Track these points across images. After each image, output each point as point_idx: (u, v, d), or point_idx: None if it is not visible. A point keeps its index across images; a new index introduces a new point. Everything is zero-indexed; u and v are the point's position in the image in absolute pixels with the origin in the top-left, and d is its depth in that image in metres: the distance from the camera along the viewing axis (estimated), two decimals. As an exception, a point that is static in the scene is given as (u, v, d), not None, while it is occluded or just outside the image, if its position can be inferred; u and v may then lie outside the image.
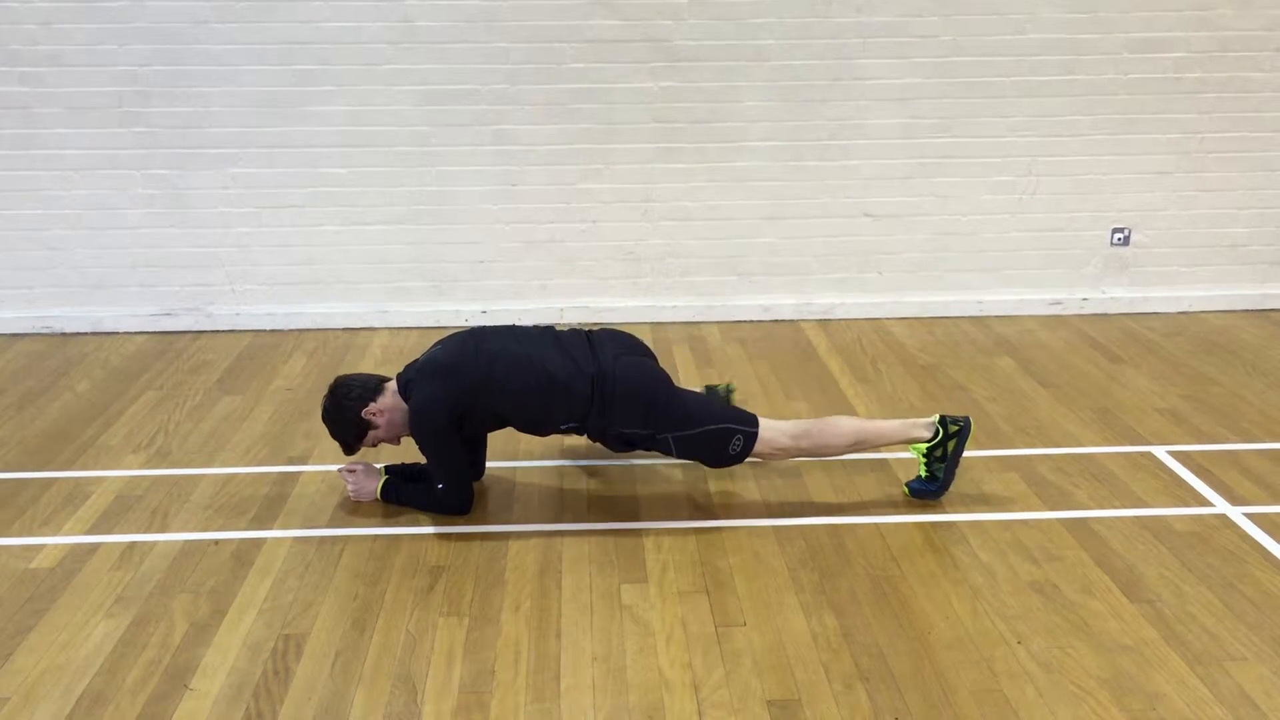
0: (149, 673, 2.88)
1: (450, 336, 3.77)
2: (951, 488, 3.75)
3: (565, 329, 3.78)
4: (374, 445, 3.76)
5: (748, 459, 3.65)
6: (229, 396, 4.76)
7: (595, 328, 3.85)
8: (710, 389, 4.23)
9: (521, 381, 3.53)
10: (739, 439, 3.57)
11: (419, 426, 3.55)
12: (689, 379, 4.82)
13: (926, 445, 3.65)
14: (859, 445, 3.69)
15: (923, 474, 3.70)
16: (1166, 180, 5.66)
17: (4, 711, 2.74)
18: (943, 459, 3.65)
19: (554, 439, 4.21)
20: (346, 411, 3.65)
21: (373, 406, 3.64)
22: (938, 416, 3.68)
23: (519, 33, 5.32)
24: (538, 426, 3.65)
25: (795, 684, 2.81)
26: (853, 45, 5.41)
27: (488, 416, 3.62)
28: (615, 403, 3.53)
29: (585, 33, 5.33)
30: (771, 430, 3.62)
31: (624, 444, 3.63)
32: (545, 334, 3.71)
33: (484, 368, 3.55)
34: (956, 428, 3.63)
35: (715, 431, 3.57)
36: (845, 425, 3.69)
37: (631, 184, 5.57)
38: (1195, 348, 5.24)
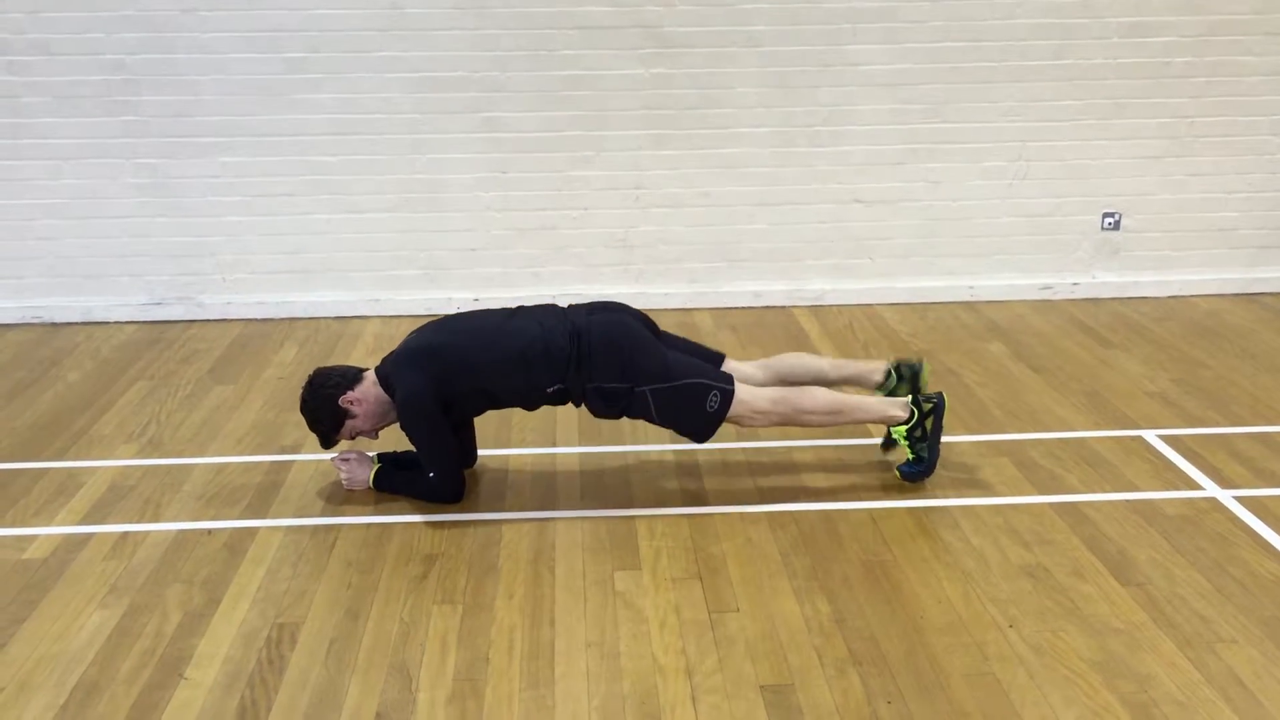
0: (143, 662, 2.89)
1: (422, 325, 3.80)
2: (943, 472, 3.77)
3: (536, 306, 3.81)
4: (352, 437, 3.74)
5: (731, 424, 3.63)
6: (220, 386, 4.75)
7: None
8: (902, 366, 3.94)
9: (500, 352, 3.54)
10: (715, 395, 3.55)
11: (407, 415, 3.55)
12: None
13: (905, 427, 3.67)
14: (836, 416, 3.67)
15: (909, 456, 3.71)
16: (1156, 165, 5.67)
17: (-2, 702, 2.75)
18: (924, 438, 3.66)
19: (547, 422, 4.22)
20: (325, 401, 3.64)
21: (350, 395, 3.64)
22: (909, 396, 3.70)
23: (509, 19, 5.31)
24: (525, 397, 3.64)
25: (788, 669, 2.83)
26: (843, 31, 5.40)
27: (474, 396, 3.62)
28: (593, 355, 3.53)
29: (576, 19, 5.32)
30: (748, 392, 3.62)
31: (606, 403, 3.58)
32: (517, 309, 3.76)
33: (462, 347, 3.57)
34: (931, 405, 3.66)
35: (692, 386, 3.55)
36: (821, 395, 3.68)
37: (622, 171, 5.56)
38: (1185, 332, 5.26)
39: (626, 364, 3.54)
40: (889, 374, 3.90)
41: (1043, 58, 5.48)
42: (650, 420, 3.62)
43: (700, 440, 3.67)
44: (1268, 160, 5.69)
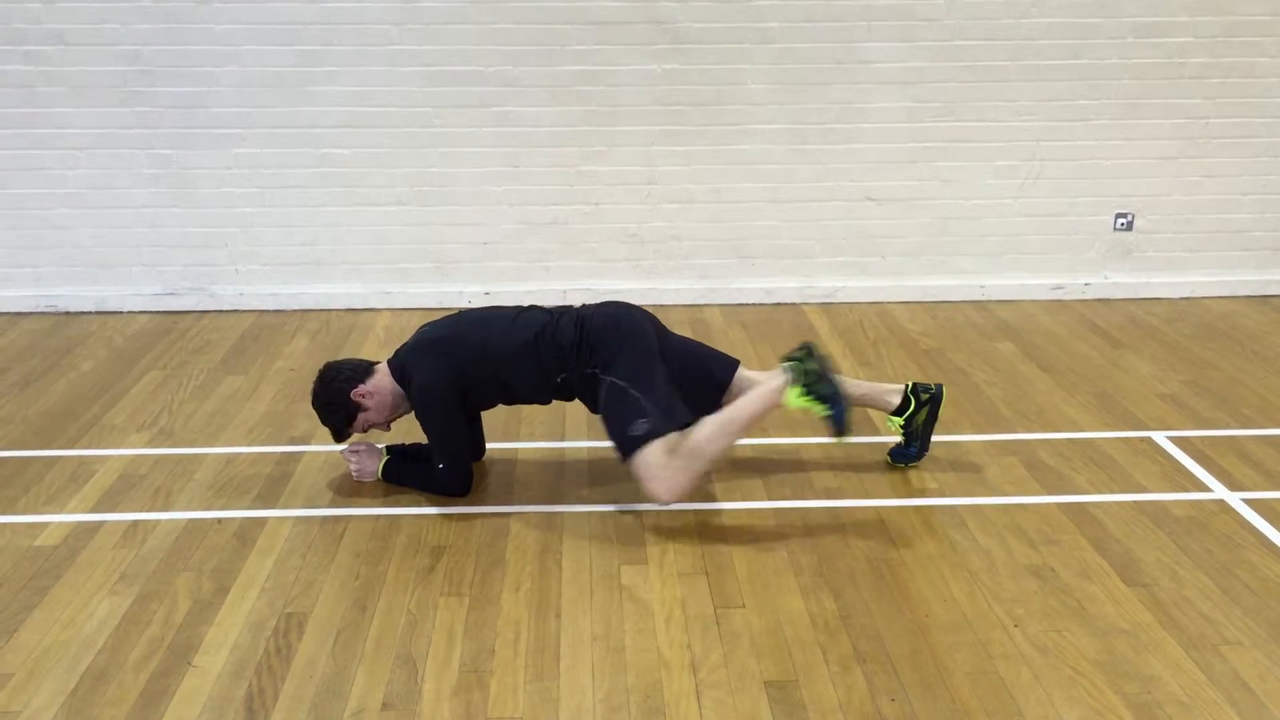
0: (152, 650, 2.91)
1: (435, 319, 3.82)
2: (951, 471, 3.78)
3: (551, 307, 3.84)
4: (365, 430, 3.76)
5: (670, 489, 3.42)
6: (232, 376, 4.77)
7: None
8: (918, 389, 3.78)
9: (515, 341, 3.59)
10: (644, 423, 3.40)
11: (423, 404, 3.57)
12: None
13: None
14: (728, 427, 3.42)
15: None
16: (1170, 166, 5.66)
17: (8, 687, 2.77)
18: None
19: (556, 416, 4.23)
20: (336, 395, 3.66)
21: (361, 388, 3.65)
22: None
23: (522, 14, 5.32)
24: (537, 387, 3.66)
25: (793, 665, 2.83)
26: (857, 29, 5.40)
27: (491, 385, 3.64)
28: (593, 339, 3.57)
29: (589, 14, 5.33)
30: (664, 451, 3.37)
31: (591, 391, 3.60)
32: (530, 305, 3.81)
33: (478, 338, 3.61)
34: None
35: (634, 400, 3.44)
36: (706, 425, 3.42)
37: (634, 166, 5.57)
38: (1197, 333, 5.24)
39: (615, 349, 3.55)
40: (906, 398, 3.76)
41: (1057, 57, 5.46)
42: (594, 409, 3.62)
43: (621, 457, 3.48)
44: (1282, 162, 5.68)
